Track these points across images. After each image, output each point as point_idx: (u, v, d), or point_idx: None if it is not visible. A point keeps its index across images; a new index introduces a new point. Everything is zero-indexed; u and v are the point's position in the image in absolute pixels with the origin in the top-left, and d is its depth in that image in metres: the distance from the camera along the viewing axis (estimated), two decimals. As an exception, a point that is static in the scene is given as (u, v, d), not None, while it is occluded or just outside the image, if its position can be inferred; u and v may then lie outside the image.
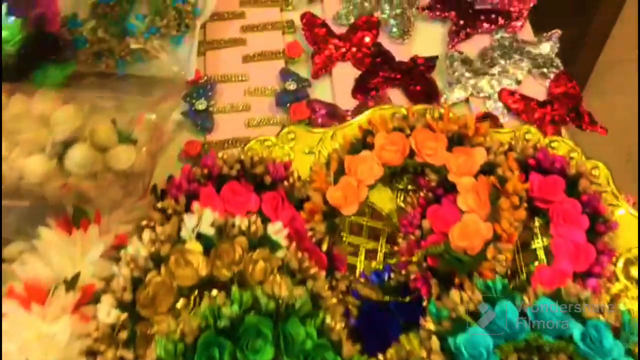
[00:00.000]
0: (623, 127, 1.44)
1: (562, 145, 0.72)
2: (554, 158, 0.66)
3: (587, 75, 1.64)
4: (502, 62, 0.86)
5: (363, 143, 0.67)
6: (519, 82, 0.85)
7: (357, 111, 0.79)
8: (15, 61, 0.68)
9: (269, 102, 0.85)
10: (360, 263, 0.69)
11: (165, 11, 0.87)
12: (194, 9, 0.88)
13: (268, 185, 0.65)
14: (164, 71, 0.85)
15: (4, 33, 0.67)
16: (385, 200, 0.70)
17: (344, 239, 0.69)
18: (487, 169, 0.64)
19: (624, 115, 1.63)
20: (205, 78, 0.87)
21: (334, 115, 0.81)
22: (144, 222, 0.59)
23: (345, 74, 0.87)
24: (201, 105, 0.83)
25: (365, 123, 0.70)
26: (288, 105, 0.83)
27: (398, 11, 0.91)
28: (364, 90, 0.84)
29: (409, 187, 0.70)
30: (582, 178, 0.65)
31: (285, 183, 0.65)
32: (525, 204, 0.62)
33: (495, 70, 0.85)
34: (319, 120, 0.80)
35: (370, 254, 0.70)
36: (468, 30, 0.89)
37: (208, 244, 0.54)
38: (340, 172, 0.65)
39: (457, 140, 0.66)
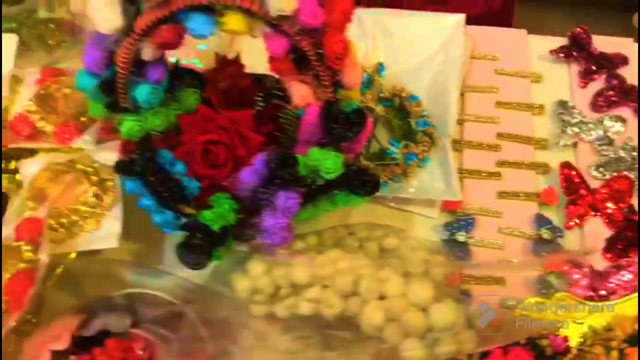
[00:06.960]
0: None
1: None
2: None
3: None
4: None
5: None
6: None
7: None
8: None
9: (520, 244, 0.90)
10: None
11: (415, 136, 0.95)
12: (436, 128, 0.96)
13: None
14: (425, 191, 0.93)
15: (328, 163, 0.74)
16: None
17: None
18: None
19: None
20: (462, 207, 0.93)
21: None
22: None
23: (597, 230, 0.91)
24: (461, 237, 0.89)
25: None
26: (543, 254, 0.88)
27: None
28: (616, 251, 0.88)
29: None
30: None
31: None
32: None
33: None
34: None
35: None
36: None
37: None
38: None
39: None
